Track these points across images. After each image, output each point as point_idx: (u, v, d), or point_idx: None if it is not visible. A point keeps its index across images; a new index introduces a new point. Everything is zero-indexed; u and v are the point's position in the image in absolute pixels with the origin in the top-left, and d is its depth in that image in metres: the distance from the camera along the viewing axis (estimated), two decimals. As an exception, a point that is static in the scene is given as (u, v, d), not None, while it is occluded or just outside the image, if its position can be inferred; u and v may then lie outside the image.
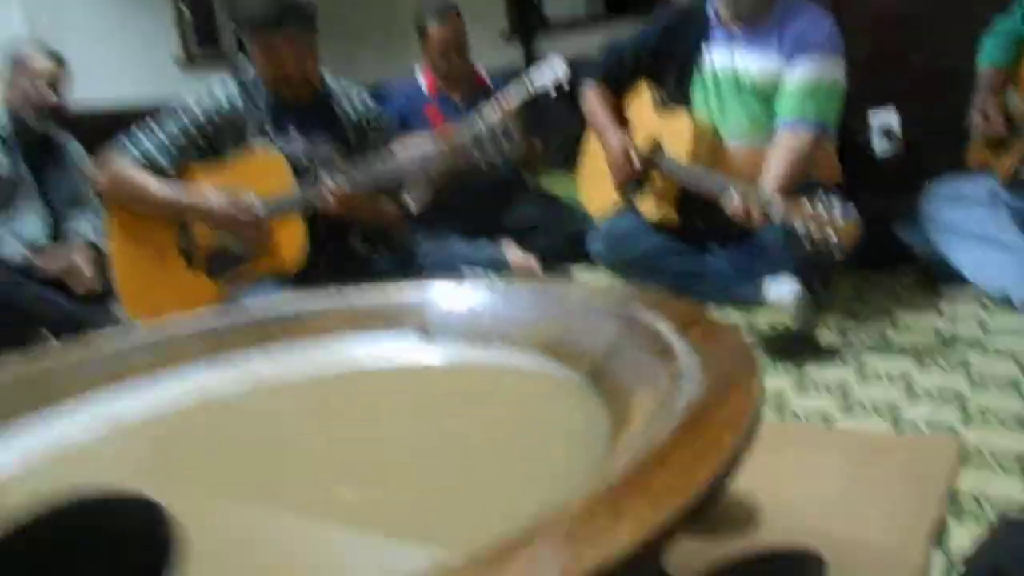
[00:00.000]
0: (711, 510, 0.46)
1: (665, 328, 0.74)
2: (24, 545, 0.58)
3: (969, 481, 1.13)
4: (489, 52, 5.79)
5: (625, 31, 2.35)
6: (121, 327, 2.51)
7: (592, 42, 5.72)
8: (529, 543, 0.41)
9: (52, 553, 0.60)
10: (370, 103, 2.12)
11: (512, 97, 2.57)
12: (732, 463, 0.48)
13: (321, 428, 0.97)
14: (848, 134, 2.34)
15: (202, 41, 6.14)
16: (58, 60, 2.62)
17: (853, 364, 1.64)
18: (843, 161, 2.22)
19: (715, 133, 2.10)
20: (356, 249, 2.07)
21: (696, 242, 2.15)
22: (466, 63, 2.81)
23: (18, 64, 2.56)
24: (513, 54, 6.35)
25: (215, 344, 1.11)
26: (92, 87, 2.82)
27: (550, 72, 2.48)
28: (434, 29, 2.70)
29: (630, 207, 2.21)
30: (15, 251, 2.46)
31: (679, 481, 0.44)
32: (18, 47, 2.66)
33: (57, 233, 2.66)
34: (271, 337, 1.11)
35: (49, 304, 2.42)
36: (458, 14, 2.76)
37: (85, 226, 2.70)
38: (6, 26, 4.95)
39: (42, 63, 2.56)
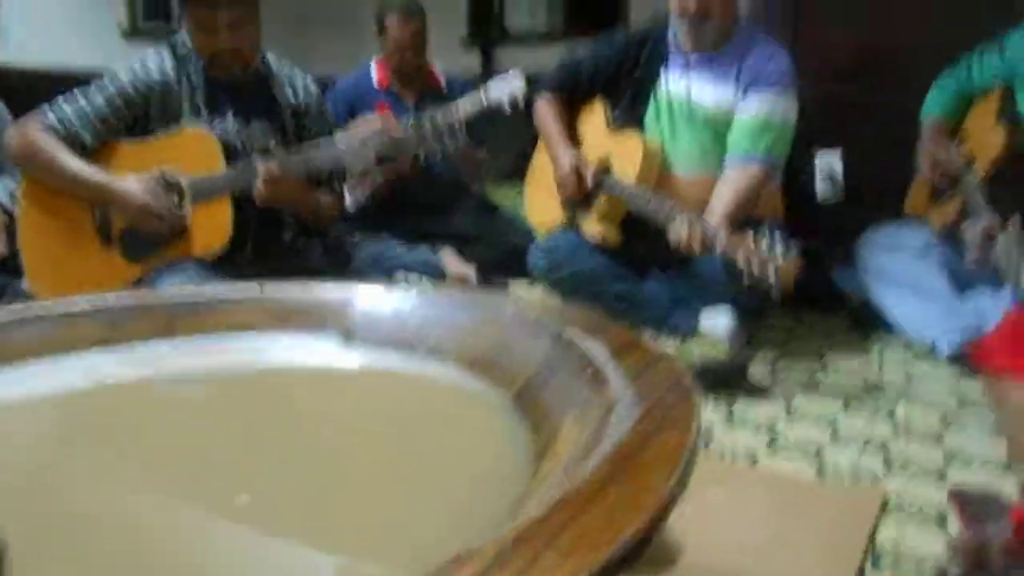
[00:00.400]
0: (634, 562, 0.41)
1: (600, 353, 0.69)
2: None
3: (888, 531, 1.11)
4: (448, 58, 5.75)
5: (583, 47, 2.32)
6: (24, 301, 2.36)
7: (550, 56, 5.74)
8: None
9: None
10: (312, 90, 2.03)
11: (465, 106, 2.51)
12: (665, 511, 0.43)
13: (219, 424, 0.89)
14: (792, 174, 2.36)
15: (150, 13, 5.95)
16: None
17: (782, 403, 1.63)
18: (787, 201, 2.24)
19: (665, 158, 2.08)
20: (287, 241, 1.97)
21: (637, 266, 2.14)
22: (422, 62, 2.76)
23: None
24: (471, 61, 6.34)
25: (115, 328, 1.01)
26: (30, 49, 2.66)
27: (507, 87, 2.43)
28: (394, 25, 2.64)
29: (573, 225, 2.18)
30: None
31: (604, 530, 0.39)
32: None
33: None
34: (180, 326, 1.03)
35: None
36: (422, 17, 2.70)
37: (1, 191, 2.54)
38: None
39: None
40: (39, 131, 1.80)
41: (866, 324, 2.09)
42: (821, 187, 2.58)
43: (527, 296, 2.43)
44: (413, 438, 0.79)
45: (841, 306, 2.22)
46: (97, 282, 1.81)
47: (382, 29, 2.69)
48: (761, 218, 2.03)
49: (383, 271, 2.00)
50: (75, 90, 1.83)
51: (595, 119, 2.21)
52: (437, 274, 2.01)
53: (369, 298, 1.04)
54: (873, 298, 2.04)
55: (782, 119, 1.99)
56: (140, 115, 1.83)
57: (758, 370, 1.82)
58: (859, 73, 2.51)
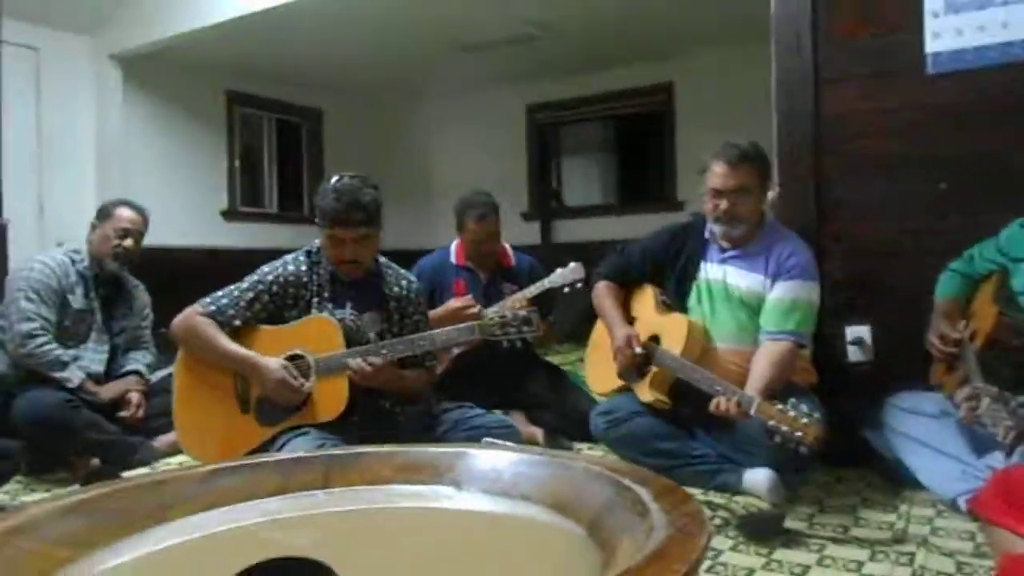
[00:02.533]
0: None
1: (646, 495, 1.01)
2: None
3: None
4: (511, 230, 6.33)
5: (634, 221, 2.76)
6: (157, 459, 2.76)
7: (604, 228, 6.27)
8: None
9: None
10: (412, 284, 2.49)
11: (532, 292, 2.98)
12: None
13: (363, 552, 1.22)
14: (825, 343, 2.67)
15: (246, 199, 6.76)
16: (143, 214, 3.03)
17: (816, 551, 1.87)
18: (821, 367, 2.53)
19: (707, 334, 2.42)
20: (387, 408, 2.35)
21: (685, 426, 2.43)
22: (493, 253, 3.21)
23: (105, 214, 2.97)
24: (532, 232, 6.91)
25: (288, 478, 1.37)
26: (150, 231, 3.22)
27: (569, 276, 2.91)
28: (472, 226, 3.13)
29: (628, 391, 2.50)
30: (77, 377, 2.75)
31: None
32: (109, 200, 3.08)
33: (113, 366, 2.97)
34: (334, 478, 1.38)
35: (100, 430, 2.69)
36: (496, 214, 3.19)
37: (140, 363, 3.01)
38: (81, 179, 5.52)
39: (128, 213, 2.96)
40: (199, 316, 2.26)
41: (897, 481, 2.32)
42: (852, 353, 2.87)
43: (591, 454, 2.73)
44: (514, 560, 1.11)
45: (875, 464, 2.45)
46: (234, 442, 2.21)
47: (461, 226, 3.18)
48: (796, 384, 2.34)
49: (466, 432, 2.33)
50: (232, 286, 2.30)
51: (645, 300, 2.59)
52: (513, 435, 2.34)
53: (474, 456, 1.39)
54: (900, 457, 2.29)
55: (807, 301, 2.33)
56: (279, 304, 2.28)
57: (796, 522, 2.06)
58: (880, 255, 2.84)
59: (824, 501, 2.25)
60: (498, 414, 2.68)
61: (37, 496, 2.51)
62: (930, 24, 2.54)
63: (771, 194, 2.63)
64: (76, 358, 2.83)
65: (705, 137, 2.71)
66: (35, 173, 5.26)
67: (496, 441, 1.77)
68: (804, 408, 2.01)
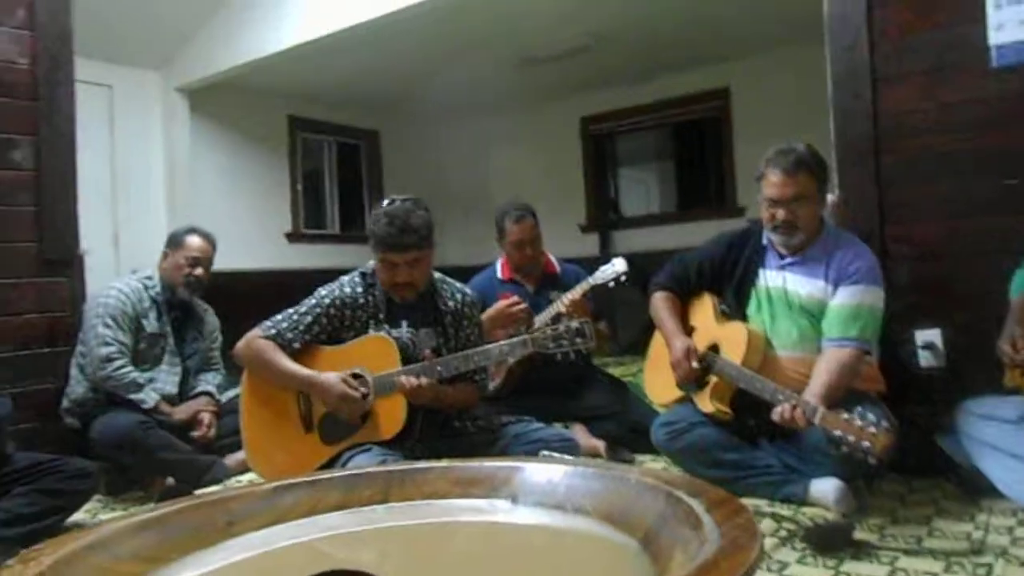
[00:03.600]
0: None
1: (698, 506, 1.00)
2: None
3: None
4: (569, 243, 6.35)
5: (693, 229, 2.73)
6: (228, 477, 2.85)
7: (663, 237, 6.22)
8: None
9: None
10: (467, 298, 2.52)
11: (577, 292, 2.99)
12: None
13: (422, 565, 1.24)
14: (895, 349, 2.59)
15: (309, 222, 6.94)
16: (211, 241, 3.14)
17: (887, 564, 1.81)
18: (890, 374, 2.45)
19: (768, 342, 2.38)
20: (444, 423, 2.38)
21: (748, 437, 2.39)
22: (538, 255, 3.24)
23: (176, 243, 3.09)
24: (591, 245, 6.90)
25: (350, 493, 1.40)
26: (219, 256, 3.34)
27: (611, 271, 2.92)
28: (511, 227, 3.17)
29: (689, 401, 2.47)
30: (152, 399, 2.87)
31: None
32: (179, 228, 3.20)
33: (185, 387, 3.08)
34: (393, 493, 1.40)
35: (174, 449, 2.79)
36: (533, 217, 3.22)
37: (211, 384, 3.12)
38: (153, 207, 5.76)
39: (198, 242, 3.08)
40: (260, 339, 2.32)
41: (974, 490, 2.23)
42: (923, 358, 2.78)
43: (651, 466, 2.71)
44: (569, 573, 1.11)
45: (951, 472, 2.36)
46: (300, 460, 2.26)
47: (501, 232, 3.21)
48: (863, 392, 2.28)
49: (525, 446, 2.34)
50: (291, 309, 2.37)
51: (704, 309, 2.56)
52: (572, 448, 2.33)
53: (529, 470, 1.39)
54: (977, 464, 2.20)
55: (870, 307, 2.26)
56: (336, 325, 2.34)
57: (866, 533, 2.00)
58: (948, 256, 2.75)
59: (896, 511, 2.18)
60: (558, 427, 2.67)
61: (115, 515, 2.61)
62: (993, 16, 2.46)
63: (831, 197, 2.57)
64: (151, 380, 2.95)
65: (763, 141, 2.67)
66: (110, 204, 5.50)
67: (553, 454, 1.77)
68: (871, 417, 1.96)
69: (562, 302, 2.99)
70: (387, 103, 7.02)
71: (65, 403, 2.90)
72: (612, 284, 3.00)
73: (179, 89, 5.78)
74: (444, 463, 1.48)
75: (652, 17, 5.12)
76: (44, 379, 2.96)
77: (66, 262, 3.07)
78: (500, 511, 1.33)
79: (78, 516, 2.45)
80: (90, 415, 2.82)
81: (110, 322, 2.87)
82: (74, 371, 2.92)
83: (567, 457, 1.76)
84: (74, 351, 2.95)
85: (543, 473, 1.37)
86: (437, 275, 2.48)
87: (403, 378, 2.21)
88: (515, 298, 3.00)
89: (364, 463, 2.12)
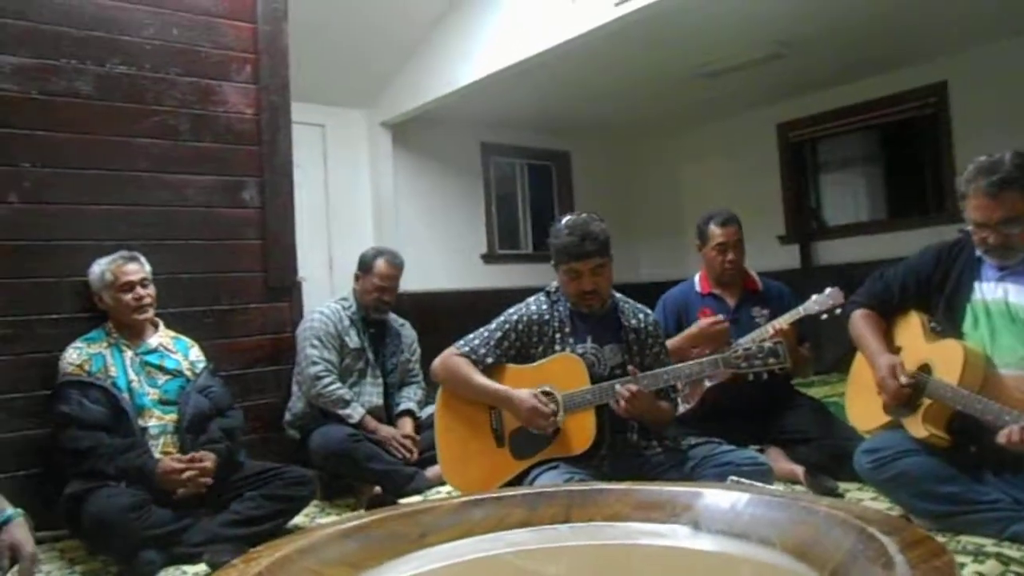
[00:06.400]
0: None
1: (892, 545, 0.94)
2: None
3: None
4: (766, 256, 6.09)
5: (905, 238, 2.53)
6: (427, 488, 3.02)
7: (870, 247, 5.80)
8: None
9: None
10: (649, 317, 2.52)
11: (786, 320, 2.83)
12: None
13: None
14: None
15: (503, 242, 7.17)
16: (396, 264, 3.36)
17: None
18: None
19: (987, 360, 2.15)
20: (633, 442, 2.37)
21: (968, 467, 2.16)
22: (739, 263, 3.12)
23: (365, 267, 3.33)
24: (790, 257, 6.57)
25: (532, 512, 1.44)
26: (414, 276, 3.53)
27: (827, 302, 2.72)
28: (714, 231, 3.08)
29: (898, 426, 2.28)
30: (358, 414, 3.10)
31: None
32: (368, 252, 3.43)
33: (390, 400, 3.31)
34: (575, 514, 1.43)
35: (379, 461, 3.00)
36: (739, 224, 3.11)
37: (412, 400, 3.33)
38: (362, 234, 6.23)
39: (385, 268, 3.30)
40: (455, 357, 2.45)
41: None
42: None
43: (856, 496, 2.53)
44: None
45: None
46: (491, 474, 2.35)
47: (703, 235, 3.13)
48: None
49: (713, 469, 2.27)
50: (482, 328, 2.48)
51: (911, 328, 2.36)
52: (764, 473, 2.24)
53: (711, 496, 1.36)
54: None
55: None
56: (524, 341, 2.42)
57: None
58: None
59: None
60: (751, 450, 2.57)
61: (330, 519, 2.85)
62: None
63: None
64: (358, 394, 3.20)
65: (987, 138, 2.44)
66: (324, 233, 6.01)
67: (742, 480, 1.71)
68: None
69: (771, 327, 2.86)
70: (576, 124, 7.12)
71: (287, 416, 3.22)
72: (825, 317, 2.83)
73: (383, 124, 6.23)
74: (624, 485, 1.49)
75: (848, 18, 4.81)
76: (268, 394, 3.30)
77: (287, 289, 3.41)
78: (681, 537, 1.32)
79: (298, 519, 2.71)
80: (307, 428, 3.10)
81: (316, 343, 3.15)
82: (294, 387, 3.23)
83: (755, 484, 1.70)
84: (294, 369, 3.26)
85: (725, 500, 1.33)
86: (618, 294, 2.50)
87: (620, 386, 2.23)
88: (718, 316, 2.92)
89: (550, 481, 2.16)
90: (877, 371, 2.31)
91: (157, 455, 2.51)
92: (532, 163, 7.47)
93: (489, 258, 6.96)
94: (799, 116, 6.72)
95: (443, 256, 6.38)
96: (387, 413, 3.29)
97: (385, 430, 3.15)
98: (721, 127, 7.17)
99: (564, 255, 2.36)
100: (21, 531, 1.73)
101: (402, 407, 3.30)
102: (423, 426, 3.22)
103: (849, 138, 6.81)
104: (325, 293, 5.47)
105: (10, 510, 1.76)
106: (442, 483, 3.00)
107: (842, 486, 2.66)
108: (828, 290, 2.82)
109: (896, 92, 6.06)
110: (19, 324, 2.77)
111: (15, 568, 1.69)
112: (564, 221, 2.41)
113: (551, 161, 7.54)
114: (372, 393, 3.26)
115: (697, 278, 3.24)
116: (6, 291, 2.76)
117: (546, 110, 6.52)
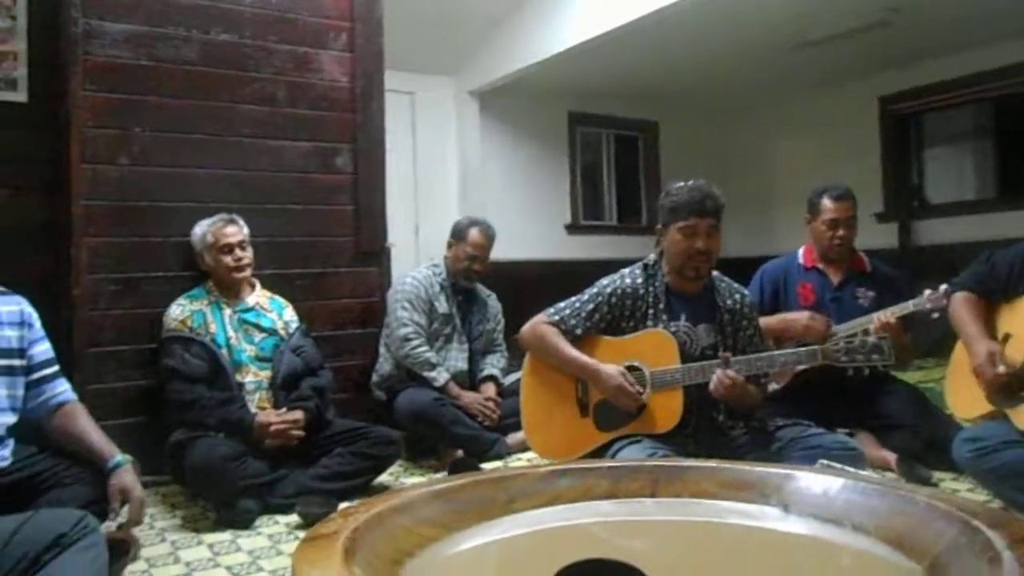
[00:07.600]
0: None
1: (998, 540, 0.91)
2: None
3: None
4: (865, 233, 5.84)
5: (1018, 218, 2.39)
6: (508, 455, 3.06)
7: (978, 227, 5.51)
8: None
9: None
10: (746, 297, 2.47)
11: (896, 312, 2.70)
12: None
13: (688, 562, 1.25)
14: None
15: (588, 212, 7.13)
16: (489, 235, 3.38)
17: None
18: None
19: (1106, 352, 2.04)
20: (719, 422, 2.35)
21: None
22: (850, 240, 2.99)
23: (459, 235, 3.37)
24: (888, 236, 6.29)
25: (617, 485, 1.45)
26: (501, 246, 3.55)
27: (942, 301, 2.56)
28: (828, 204, 2.96)
29: (1002, 416, 2.19)
30: (443, 378, 3.16)
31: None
32: (462, 220, 3.47)
33: (474, 366, 3.36)
34: (661, 488, 1.43)
35: (463, 425, 3.06)
36: (854, 199, 3.00)
37: (495, 367, 3.37)
38: (448, 202, 6.30)
39: (478, 238, 3.34)
40: (545, 325, 2.46)
41: None
42: None
43: (950, 487, 2.44)
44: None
45: None
46: (574, 443, 2.37)
47: (814, 210, 3.02)
48: None
49: (801, 452, 2.22)
50: (574, 298, 2.47)
51: (1020, 315, 2.25)
52: (855, 458, 2.17)
53: (803, 479, 1.34)
54: None
55: None
56: (616, 315, 2.40)
57: None
58: None
59: None
60: (840, 434, 2.50)
61: (414, 479, 2.93)
62: None
63: None
64: (444, 358, 3.26)
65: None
66: (412, 200, 6.10)
67: (833, 464, 1.68)
68: None
69: (877, 318, 2.70)
70: (665, 95, 6.97)
71: (375, 378, 3.31)
72: (936, 316, 2.64)
73: (471, 92, 6.24)
74: (712, 463, 1.48)
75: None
76: (356, 356, 3.40)
77: (376, 253, 3.48)
78: (770, 518, 1.30)
79: (383, 478, 2.79)
80: (394, 389, 3.19)
81: (407, 305, 3.22)
82: (382, 349, 3.32)
83: (848, 469, 1.65)
84: (381, 332, 3.35)
85: (819, 484, 1.31)
86: (715, 272, 2.45)
87: (719, 372, 2.22)
88: (826, 321, 2.83)
89: (634, 455, 2.16)
90: (974, 358, 2.22)
91: (253, 410, 2.63)
92: (619, 133, 7.36)
93: (573, 229, 6.93)
94: (904, 88, 6.39)
95: (527, 226, 6.38)
96: (471, 379, 3.34)
97: (468, 396, 3.21)
98: (818, 100, 6.89)
99: (684, 210, 2.33)
100: (130, 476, 1.83)
101: (486, 372, 3.35)
102: (506, 393, 3.26)
103: (957, 111, 6.45)
104: (411, 259, 5.56)
105: (120, 456, 1.86)
106: (523, 450, 3.03)
107: (936, 476, 2.57)
108: (942, 287, 2.64)
109: (1012, 63, 5.70)
110: (127, 281, 2.93)
111: (124, 509, 1.80)
112: (679, 185, 2.40)
113: (638, 132, 7.42)
114: (458, 358, 3.32)
115: (802, 251, 3.12)
116: (116, 249, 2.91)
117: (635, 80, 6.40)
